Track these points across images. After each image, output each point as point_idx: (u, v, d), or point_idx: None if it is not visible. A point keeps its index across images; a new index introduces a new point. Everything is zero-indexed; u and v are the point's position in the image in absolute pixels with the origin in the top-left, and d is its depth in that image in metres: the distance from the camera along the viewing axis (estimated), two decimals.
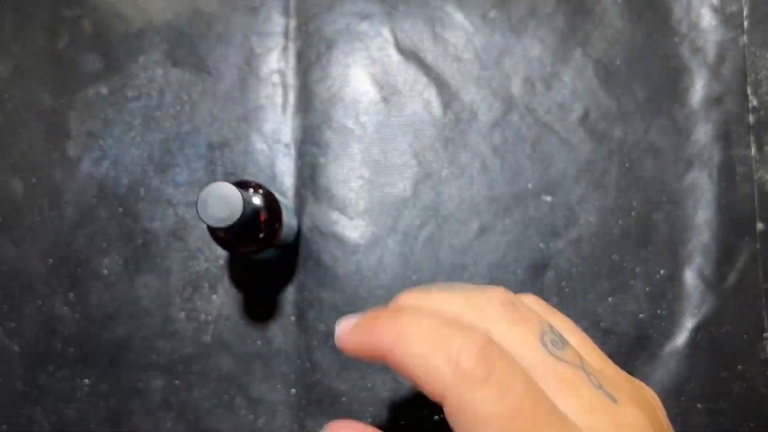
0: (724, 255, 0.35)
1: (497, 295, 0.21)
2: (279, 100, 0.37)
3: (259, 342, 0.35)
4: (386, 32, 0.37)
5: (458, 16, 0.37)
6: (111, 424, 0.34)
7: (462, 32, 0.37)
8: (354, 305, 0.35)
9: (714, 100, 0.36)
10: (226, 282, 0.35)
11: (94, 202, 0.36)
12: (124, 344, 0.35)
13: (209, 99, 0.37)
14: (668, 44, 0.37)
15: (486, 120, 0.36)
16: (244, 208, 0.25)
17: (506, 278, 0.35)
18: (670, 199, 0.36)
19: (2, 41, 0.37)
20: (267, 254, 0.32)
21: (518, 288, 0.35)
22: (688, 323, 0.35)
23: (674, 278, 0.35)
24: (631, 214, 0.36)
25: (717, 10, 0.37)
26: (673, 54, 0.37)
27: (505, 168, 0.36)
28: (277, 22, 0.37)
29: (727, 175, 0.36)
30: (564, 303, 0.35)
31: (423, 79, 0.37)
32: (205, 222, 0.25)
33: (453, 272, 0.35)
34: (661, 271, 0.35)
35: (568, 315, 0.35)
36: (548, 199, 0.36)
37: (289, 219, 0.31)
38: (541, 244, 0.35)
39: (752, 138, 0.36)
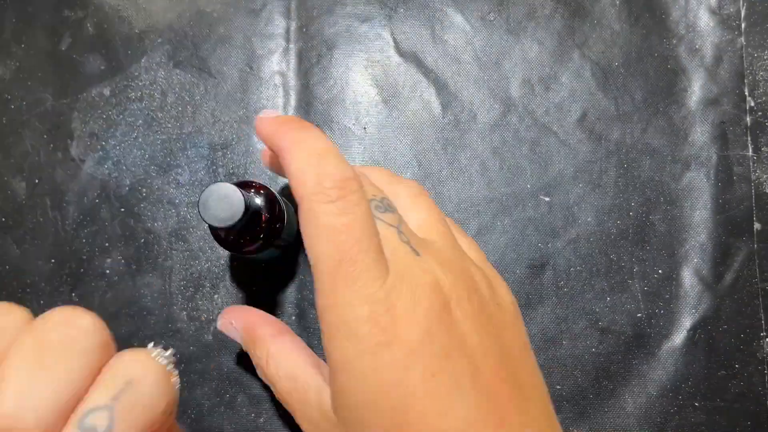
0: (721, 255, 0.35)
1: (381, 172, 0.28)
2: (280, 101, 0.37)
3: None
4: (386, 34, 0.37)
5: (458, 18, 0.37)
6: None
7: (461, 34, 0.37)
8: None
9: (711, 101, 0.36)
10: (227, 282, 0.35)
11: (97, 203, 0.36)
12: (126, 343, 0.35)
13: (211, 100, 0.37)
14: (666, 46, 0.37)
15: (485, 121, 0.37)
16: (245, 208, 0.25)
17: (505, 277, 0.35)
18: (668, 200, 0.36)
19: (4, 42, 0.38)
20: (268, 254, 0.32)
21: (518, 287, 0.35)
22: (686, 322, 0.35)
23: (672, 278, 0.35)
24: (629, 214, 0.36)
25: (714, 12, 0.37)
26: (670, 55, 0.37)
27: (504, 168, 0.36)
28: (278, 24, 0.37)
29: (725, 176, 0.36)
30: (562, 302, 0.35)
31: (423, 81, 0.37)
32: (206, 222, 0.25)
33: None
34: (659, 271, 0.35)
35: (567, 314, 0.35)
36: (547, 199, 0.36)
37: (290, 219, 0.32)
38: (539, 244, 0.36)
39: (749, 139, 0.36)
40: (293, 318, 0.35)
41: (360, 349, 0.22)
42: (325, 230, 0.22)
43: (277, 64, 0.37)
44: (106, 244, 0.36)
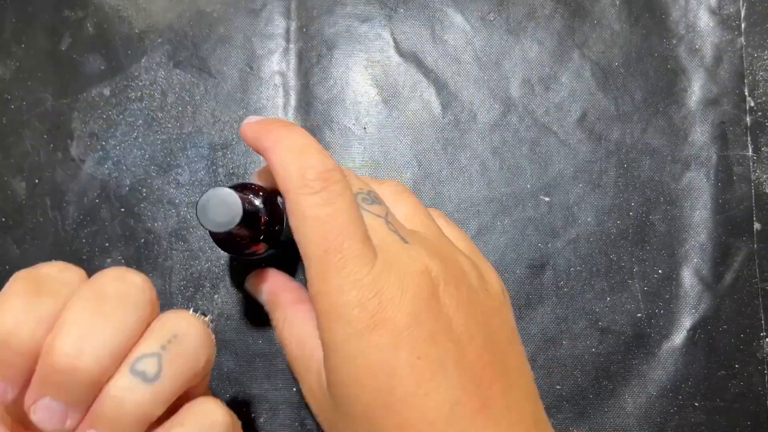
0: (721, 255, 0.35)
1: (363, 177, 0.29)
2: (280, 101, 0.37)
3: (260, 341, 0.35)
4: (386, 34, 0.37)
5: (458, 18, 0.37)
6: None
7: (461, 34, 0.37)
8: None
9: (711, 102, 0.36)
10: (227, 281, 0.35)
11: (97, 203, 0.36)
12: None
13: (211, 100, 0.37)
14: (666, 46, 0.37)
15: (485, 121, 0.37)
16: (243, 212, 0.25)
17: (505, 277, 0.35)
18: (668, 200, 0.36)
19: (4, 42, 0.38)
20: (268, 255, 0.32)
21: (517, 287, 0.35)
22: (686, 322, 0.35)
23: (672, 278, 0.35)
24: (629, 214, 0.36)
25: (714, 12, 0.37)
26: (670, 55, 0.37)
27: (503, 168, 0.36)
28: (278, 24, 0.37)
29: (725, 176, 0.36)
30: (562, 302, 0.35)
31: (423, 81, 0.37)
32: (204, 227, 0.25)
33: None
34: (659, 271, 0.35)
35: (566, 314, 0.35)
36: (547, 199, 0.36)
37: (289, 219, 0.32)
38: (539, 244, 0.36)
39: (749, 139, 0.36)
40: None
41: (349, 332, 0.23)
42: (311, 221, 0.23)
43: (277, 64, 0.37)
44: (106, 244, 0.36)
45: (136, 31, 0.38)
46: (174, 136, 0.37)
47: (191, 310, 0.24)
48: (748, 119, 0.36)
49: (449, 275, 0.24)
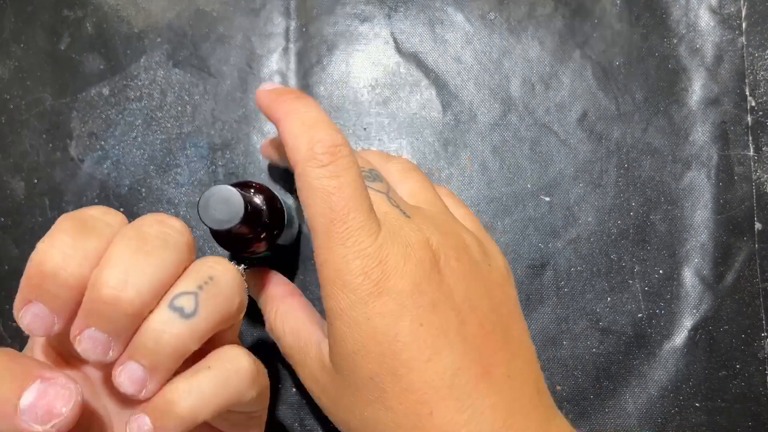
0: (722, 255, 0.35)
1: (373, 152, 0.31)
2: None
3: (260, 341, 0.35)
4: (386, 34, 0.37)
5: (458, 18, 0.37)
6: None
7: (462, 33, 0.37)
8: None
9: (712, 101, 0.36)
10: None
11: (96, 203, 0.36)
12: None
13: (210, 100, 0.37)
14: (666, 45, 0.37)
15: (485, 120, 0.37)
16: (245, 210, 0.25)
17: None
18: (668, 199, 0.36)
19: (3, 42, 0.38)
20: (268, 254, 0.32)
21: (518, 287, 0.35)
22: (687, 323, 0.35)
23: (672, 278, 0.35)
24: (630, 214, 0.36)
25: (715, 11, 0.37)
26: (671, 55, 0.37)
27: (504, 168, 0.36)
28: (278, 24, 0.37)
29: (725, 176, 0.36)
30: (563, 302, 0.35)
31: (423, 81, 0.37)
32: (206, 224, 0.25)
33: None
34: (660, 271, 0.35)
35: (567, 314, 0.35)
36: (547, 199, 0.36)
37: (290, 219, 0.31)
38: (539, 244, 0.36)
39: (750, 138, 0.36)
40: None
41: (353, 300, 0.23)
42: (318, 192, 0.24)
43: (277, 64, 0.37)
44: None
45: (136, 30, 0.38)
46: (173, 136, 0.37)
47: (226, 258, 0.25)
48: (749, 119, 0.36)
49: (450, 248, 0.25)
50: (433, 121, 0.37)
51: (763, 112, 0.36)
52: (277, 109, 0.26)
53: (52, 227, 0.22)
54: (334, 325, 0.24)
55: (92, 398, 0.24)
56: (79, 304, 0.21)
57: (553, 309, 0.35)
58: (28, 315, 0.21)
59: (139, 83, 0.37)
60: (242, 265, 0.26)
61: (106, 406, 0.24)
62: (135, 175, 0.36)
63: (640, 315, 0.35)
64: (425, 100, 0.37)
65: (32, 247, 0.35)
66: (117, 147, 0.37)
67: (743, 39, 0.37)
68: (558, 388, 0.35)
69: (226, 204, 0.25)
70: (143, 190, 0.36)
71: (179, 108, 0.37)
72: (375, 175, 0.27)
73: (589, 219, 0.36)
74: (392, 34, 0.37)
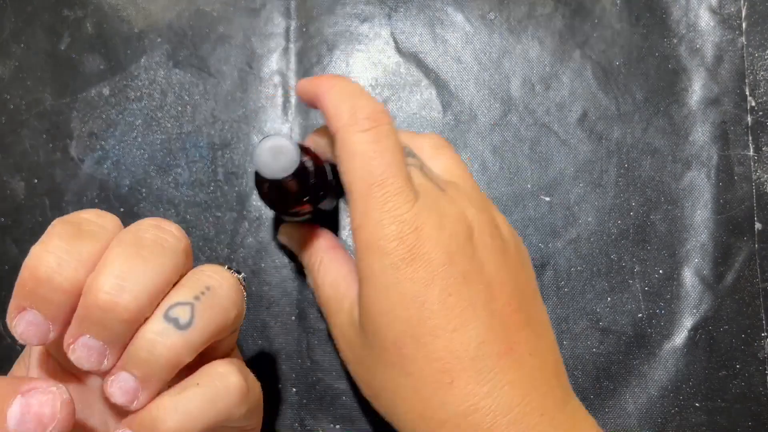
0: (722, 255, 0.35)
1: (406, 132, 0.30)
2: (280, 101, 0.37)
3: (260, 341, 0.35)
4: (386, 34, 0.37)
5: (458, 18, 0.37)
6: None
7: (462, 33, 0.37)
8: None
9: (712, 101, 0.36)
10: None
11: (96, 203, 0.36)
12: None
13: (210, 100, 0.37)
14: (666, 45, 0.37)
15: (485, 120, 0.37)
16: (299, 162, 0.25)
17: None
18: (669, 199, 0.36)
19: (3, 42, 0.38)
20: (308, 218, 0.32)
21: None
22: (687, 322, 0.35)
23: (672, 278, 0.35)
24: (630, 214, 0.36)
25: (715, 11, 0.37)
26: (671, 55, 0.37)
27: (504, 168, 0.36)
28: (278, 24, 0.37)
29: (725, 176, 0.36)
30: (563, 302, 0.35)
31: (423, 80, 0.37)
32: (261, 173, 0.25)
33: None
34: (660, 271, 0.35)
35: (567, 314, 0.35)
36: (547, 199, 0.36)
37: (332, 185, 0.31)
38: (540, 244, 0.36)
39: (750, 138, 0.36)
40: (293, 318, 0.35)
41: (385, 264, 0.24)
42: (359, 157, 0.24)
43: (277, 64, 0.37)
44: None
45: (136, 30, 0.38)
46: (173, 136, 0.37)
47: (225, 266, 0.25)
48: (749, 119, 0.36)
49: (484, 224, 0.26)
50: (433, 121, 0.37)
51: (763, 112, 0.36)
52: (318, 86, 0.27)
53: (46, 232, 0.21)
54: (364, 288, 0.25)
55: (90, 410, 0.24)
56: (73, 310, 0.21)
57: (553, 309, 0.35)
58: (22, 323, 0.21)
59: (139, 83, 0.37)
60: (242, 274, 0.26)
61: (106, 422, 0.24)
62: (135, 175, 0.36)
63: (640, 315, 0.35)
64: (425, 100, 0.37)
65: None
66: (117, 147, 0.37)
67: (743, 39, 0.37)
68: None
69: (283, 153, 0.25)
70: (143, 190, 0.36)
71: (179, 108, 0.37)
72: (408, 151, 0.28)
73: (589, 219, 0.36)
74: (392, 34, 0.37)
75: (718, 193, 0.36)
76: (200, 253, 0.36)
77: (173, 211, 0.36)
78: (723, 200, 0.36)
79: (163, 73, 0.37)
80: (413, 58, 0.37)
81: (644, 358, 0.35)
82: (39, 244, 0.21)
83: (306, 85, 0.28)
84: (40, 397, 0.19)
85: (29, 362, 0.24)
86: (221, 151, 0.36)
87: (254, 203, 0.36)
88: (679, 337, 0.35)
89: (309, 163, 0.29)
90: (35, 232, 0.36)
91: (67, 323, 0.21)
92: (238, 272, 0.25)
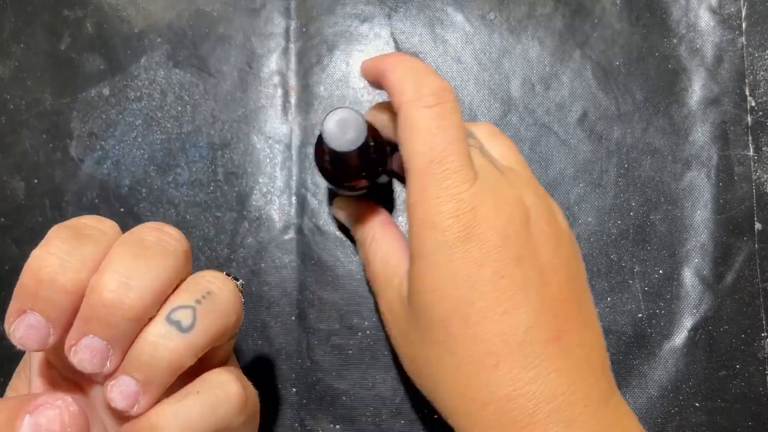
0: (722, 255, 0.35)
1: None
2: (280, 101, 0.37)
3: (259, 341, 0.35)
4: (386, 34, 0.37)
5: (458, 18, 0.37)
6: None
7: (461, 33, 0.37)
8: (354, 305, 0.35)
9: (712, 101, 0.36)
10: None
11: (96, 203, 0.36)
12: None
13: (210, 100, 0.37)
14: (666, 45, 0.37)
15: (485, 120, 0.37)
16: (367, 133, 0.25)
17: None
18: (668, 199, 0.36)
19: (3, 42, 0.38)
20: (362, 192, 0.32)
21: None
22: (687, 323, 0.35)
23: (672, 278, 0.35)
24: (630, 214, 0.36)
25: (715, 12, 0.37)
26: (671, 55, 0.37)
27: None
28: (278, 24, 0.37)
29: (725, 176, 0.36)
30: None
31: None
32: (329, 145, 0.25)
33: None
34: (660, 271, 0.35)
35: None
36: None
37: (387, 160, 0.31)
38: None
39: (750, 138, 0.36)
40: (293, 318, 0.35)
41: (440, 241, 0.24)
42: (421, 132, 0.24)
43: (277, 64, 0.37)
44: None
45: (136, 30, 0.38)
46: (173, 136, 0.37)
47: (224, 272, 0.25)
48: (749, 119, 0.36)
49: (540, 210, 0.26)
50: None
51: (763, 112, 0.36)
52: (383, 63, 0.26)
53: (46, 236, 0.21)
54: (416, 264, 0.25)
55: (92, 421, 0.23)
56: (75, 314, 0.21)
57: None
58: (22, 326, 0.20)
59: (139, 83, 0.37)
60: (240, 281, 0.26)
61: (107, 430, 0.24)
62: (135, 175, 0.36)
63: (640, 315, 0.35)
64: None
65: (32, 247, 0.36)
66: (117, 147, 0.37)
67: (743, 39, 0.37)
68: None
69: (351, 127, 0.25)
70: (143, 190, 0.36)
71: (179, 108, 0.37)
72: (469, 132, 0.27)
73: (589, 219, 0.36)
74: (392, 34, 0.37)
75: (718, 193, 0.36)
76: (200, 253, 0.36)
77: (173, 211, 0.36)
78: (723, 200, 0.36)
79: (163, 73, 0.37)
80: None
81: (644, 358, 0.35)
82: (40, 247, 0.21)
83: (371, 64, 0.27)
84: (48, 413, 0.19)
85: (30, 373, 0.24)
86: (221, 151, 0.36)
87: (254, 203, 0.36)
88: (679, 337, 0.35)
89: (370, 139, 0.29)
90: (35, 232, 0.36)
91: (67, 328, 0.21)
92: (236, 278, 0.25)
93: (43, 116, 0.37)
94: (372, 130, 0.29)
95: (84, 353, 0.20)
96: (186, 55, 0.37)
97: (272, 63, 0.37)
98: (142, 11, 0.38)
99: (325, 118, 0.25)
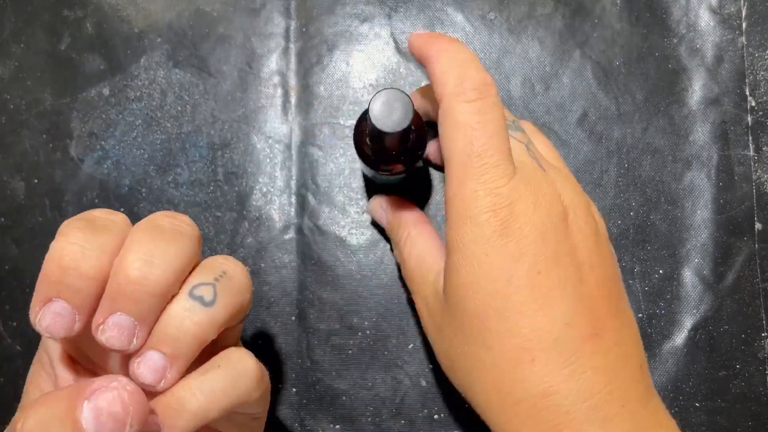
0: (722, 255, 0.35)
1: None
2: (279, 101, 0.37)
3: (260, 341, 0.35)
4: (386, 34, 0.37)
5: (458, 18, 0.37)
6: None
7: (462, 33, 0.37)
8: (354, 305, 0.35)
9: (712, 101, 0.36)
10: None
11: (96, 203, 0.36)
12: None
13: (210, 100, 0.37)
14: (666, 45, 0.37)
15: None
16: (413, 115, 0.25)
17: None
18: (669, 199, 0.36)
19: (3, 42, 0.38)
20: (398, 179, 0.32)
21: None
22: (687, 323, 0.35)
23: (673, 278, 0.35)
24: (630, 213, 0.36)
25: (715, 11, 0.37)
26: (671, 55, 0.37)
27: None
28: (278, 24, 0.37)
29: (726, 176, 0.36)
30: None
31: (423, 81, 0.37)
32: (376, 126, 0.25)
33: None
34: (660, 271, 0.35)
35: None
36: None
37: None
38: None
39: (750, 138, 0.36)
40: (293, 318, 0.35)
41: (477, 234, 0.24)
42: (462, 126, 0.24)
43: (277, 64, 0.37)
44: None
45: (136, 30, 0.38)
46: (173, 136, 0.37)
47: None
48: (749, 119, 0.36)
49: (579, 208, 0.25)
50: (433, 121, 0.37)
51: (763, 112, 0.36)
52: (429, 48, 0.26)
53: (61, 230, 0.22)
54: (452, 258, 0.25)
55: None
56: (97, 301, 0.21)
57: None
58: (48, 315, 0.21)
59: (139, 83, 0.37)
60: (248, 266, 0.26)
61: None
62: (135, 175, 0.36)
63: (640, 315, 0.35)
64: None
65: (32, 247, 0.36)
66: (117, 147, 0.37)
67: (743, 39, 0.37)
68: None
69: (398, 107, 0.25)
70: (143, 190, 0.36)
71: (179, 108, 0.37)
72: (517, 126, 0.27)
73: None
74: (392, 34, 0.37)
75: (718, 193, 0.36)
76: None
77: (173, 210, 0.36)
78: (723, 200, 0.36)
79: (163, 73, 0.37)
80: (413, 58, 0.37)
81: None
82: (59, 239, 0.21)
83: (417, 41, 0.27)
84: (106, 396, 0.19)
85: (53, 369, 0.25)
86: (221, 151, 0.36)
87: (254, 203, 0.36)
88: (679, 337, 0.35)
89: (411, 123, 0.29)
90: (35, 232, 0.36)
91: (90, 315, 0.22)
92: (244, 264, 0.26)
93: (43, 116, 0.37)
94: (416, 113, 0.29)
95: (112, 330, 0.21)
96: (186, 55, 0.37)
97: (272, 63, 0.37)
98: (142, 11, 0.38)
99: (372, 98, 0.25)
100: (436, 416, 0.34)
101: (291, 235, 0.36)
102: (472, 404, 0.26)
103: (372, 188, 0.36)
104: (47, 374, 0.25)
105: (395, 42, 0.37)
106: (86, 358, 0.25)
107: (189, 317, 0.22)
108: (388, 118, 0.25)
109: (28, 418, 0.19)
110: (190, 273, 0.23)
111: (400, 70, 0.37)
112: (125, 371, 0.23)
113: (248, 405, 0.23)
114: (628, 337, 0.25)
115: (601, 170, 0.36)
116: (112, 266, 0.21)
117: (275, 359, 0.35)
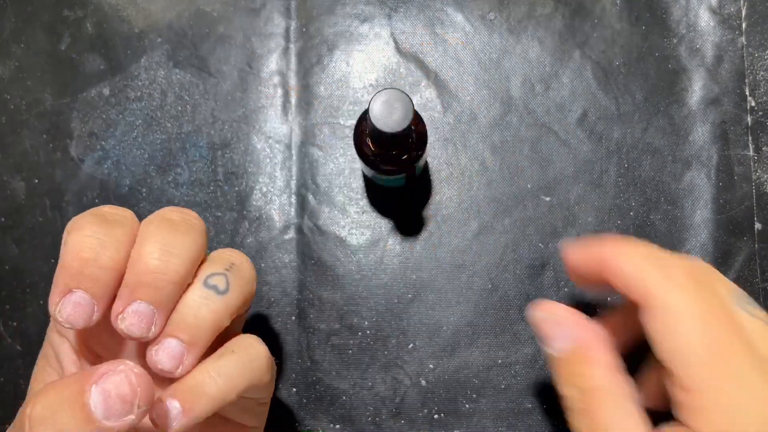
0: (722, 255, 0.35)
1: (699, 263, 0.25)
2: (280, 101, 0.37)
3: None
4: (386, 34, 0.37)
5: (458, 18, 0.37)
6: None
7: (462, 34, 0.37)
8: (354, 305, 0.35)
9: (712, 101, 0.36)
10: None
11: (96, 203, 0.36)
12: None
13: (210, 100, 0.37)
14: (666, 45, 0.37)
15: (485, 121, 0.37)
16: (412, 119, 0.25)
17: (505, 278, 0.35)
18: (668, 199, 0.36)
19: (4, 42, 0.38)
20: (397, 181, 0.32)
21: (517, 287, 0.35)
22: None
23: None
24: (630, 214, 0.36)
25: (715, 12, 0.37)
26: (671, 55, 0.37)
27: (504, 168, 0.36)
28: (278, 24, 0.37)
29: (725, 176, 0.36)
30: (563, 302, 0.35)
31: (423, 81, 0.37)
32: (376, 125, 0.25)
33: (452, 272, 0.35)
34: None
35: None
36: (547, 199, 0.36)
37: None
38: (539, 244, 0.36)
39: (750, 138, 0.36)
40: (293, 318, 0.35)
41: None
42: (690, 319, 0.21)
43: (277, 64, 0.37)
44: None
45: (136, 30, 0.38)
46: (173, 136, 0.37)
47: None
48: (749, 119, 0.36)
49: None
50: (433, 121, 0.37)
51: (763, 112, 0.36)
52: (601, 251, 0.24)
53: (75, 226, 0.22)
54: None
55: None
56: (114, 291, 0.22)
57: None
58: (69, 305, 0.21)
59: (140, 83, 0.37)
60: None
61: None
62: (135, 175, 0.36)
63: None
64: (425, 100, 0.37)
65: (33, 247, 0.36)
66: (117, 147, 0.37)
67: (743, 39, 0.37)
68: None
69: (398, 107, 0.25)
70: (143, 190, 0.36)
71: (179, 108, 0.37)
72: (749, 298, 0.23)
73: (589, 219, 0.36)
74: (392, 34, 0.37)
75: (718, 193, 0.36)
76: None
77: None
78: (723, 200, 0.36)
79: (163, 73, 0.37)
80: (413, 58, 0.37)
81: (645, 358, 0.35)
82: (75, 233, 0.22)
83: (578, 253, 0.25)
84: (113, 379, 0.19)
85: (59, 363, 0.25)
86: (221, 151, 0.36)
87: (254, 203, 0.36)
88: None
89: (413, 122, 0.28)
90: (35, 232, 0.36)
91: (108, 305, 0.22)
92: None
93: (43, 116, 0.37)
94: (416, 115, 0.29)
95: (132, 318, 0.22)
96: (186, 55, 0.37)
97: (272, 63, 0.37)
98: (142, 11, 0.38)
99: (372, 98, 0.25)
100: (436, 416, 0.34)
101: (291, 235, 0.36)
102: None
103: (372, 188, 0.36)
104: (53, 368, 0.25)
105: (395, 42, 0.37)
106: (93, 353, 0.25)
107: (206, 305, 0.23)
108: (388, 118, 0.25)
109: (37, 404, 0.19)
110: (201, 265, 0.24)
111: (400, 70, 0.37)
112: (136, 362, 0.23)
113: (259, 389, 0.24)
114: None
115: (601, 170, 0.36)
116: (127, 258, 0.22)
117: (275, 359, 0.35)
